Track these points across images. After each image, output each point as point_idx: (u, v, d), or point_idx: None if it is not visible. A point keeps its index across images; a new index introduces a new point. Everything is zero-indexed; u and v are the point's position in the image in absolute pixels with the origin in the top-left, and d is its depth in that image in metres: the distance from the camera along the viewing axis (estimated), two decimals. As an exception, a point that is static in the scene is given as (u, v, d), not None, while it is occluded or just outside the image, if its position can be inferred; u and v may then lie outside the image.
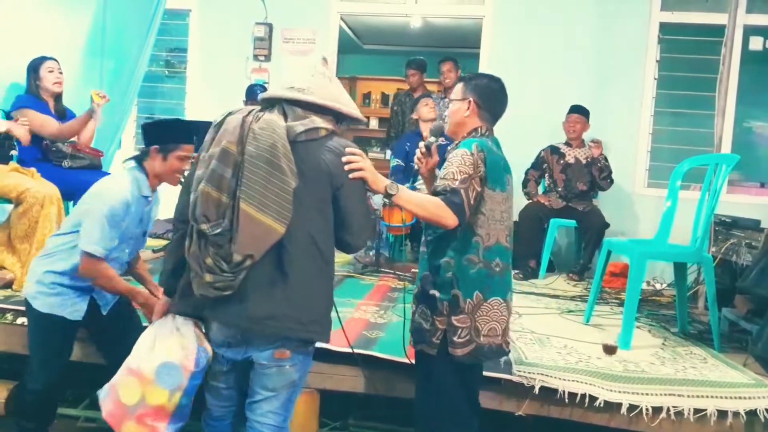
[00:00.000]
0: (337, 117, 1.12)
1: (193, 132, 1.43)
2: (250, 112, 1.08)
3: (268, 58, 3.35)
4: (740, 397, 1.45)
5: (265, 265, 1.03)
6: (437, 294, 1.19)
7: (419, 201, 1.18)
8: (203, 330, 1.16)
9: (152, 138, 1.41)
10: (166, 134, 1.41)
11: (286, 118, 1.07)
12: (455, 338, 1.19)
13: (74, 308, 1.41)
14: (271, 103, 1.11)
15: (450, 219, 1.14)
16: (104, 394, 1.15)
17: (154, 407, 1.09)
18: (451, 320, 1.19)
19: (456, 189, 1.15)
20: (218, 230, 1.01)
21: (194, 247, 1.04)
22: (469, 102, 1.25)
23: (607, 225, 2.83)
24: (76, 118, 2.16)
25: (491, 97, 1.26)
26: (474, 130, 1.25)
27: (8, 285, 1.91)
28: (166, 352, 1.10)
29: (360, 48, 5.07)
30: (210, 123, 1.11)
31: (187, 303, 1.09)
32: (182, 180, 1.29)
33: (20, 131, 1.99)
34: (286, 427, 1.13)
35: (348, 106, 1.12)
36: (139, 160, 1.44)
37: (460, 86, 1.28)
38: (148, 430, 1.10)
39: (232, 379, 1.14)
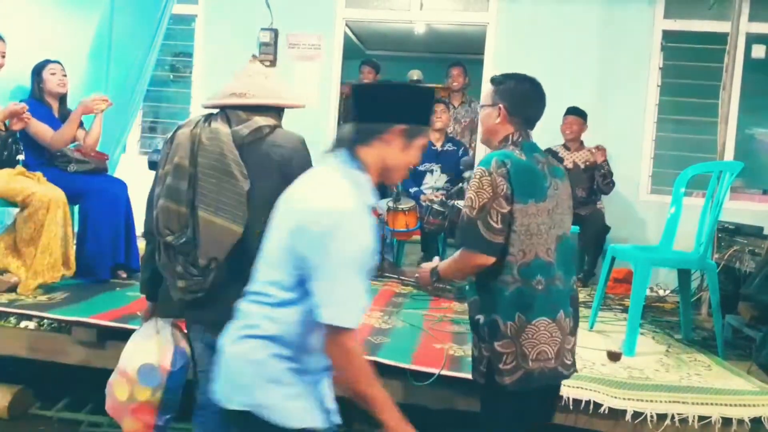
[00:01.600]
0: (279, 110, 1.17)
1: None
2: (196, 124, 1.13)
3: (273, 63, 3.37)
4: (745, 405, 1.45)
5: (234, 264, 1.09)
6: (481, 319, 1.13)
7: (453, 266, 1.16)
8: (184, 329, 1.23)
9: (390, 110, 0.88)
10: (413, 107, 0.90)
11: (230, 124, 1.12)
12: (500, 365, 1.09)
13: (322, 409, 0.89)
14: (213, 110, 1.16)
15: (482, 259, 1.09)
16: (106, 392, 1.26)
17: (142, 403, 1.19)
18: (493, 346, 1.11)
19: (472, 220, 1.09)
20: (183, 239, 1.08)
21: (164, 258, 1.11)
22: (500, 108, 1.15)
23: (608, 228, 2.83)
24: (64, 124, 2.12)
25: (522, 101, 1.16)
26: (505, 138, 1.16)
27: (12, 288, 1.92)
28: (146, 353, 1.20)
29: (364, 54, 5.10)
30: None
31: (169, 306, 1.18)
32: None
33: (18, 126, 1.97)
34: None
35: (288, 98, 1.17)
36: (352, 146, 0.88)
37: (489, 90, 1.19)
38: (142, 423, 1.21)
39: (210, 359, 1.16)
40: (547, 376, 1.11)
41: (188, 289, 1.10)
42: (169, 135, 1.16)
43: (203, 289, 1.10)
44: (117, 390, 1.22)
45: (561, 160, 2.91)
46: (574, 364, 1.16)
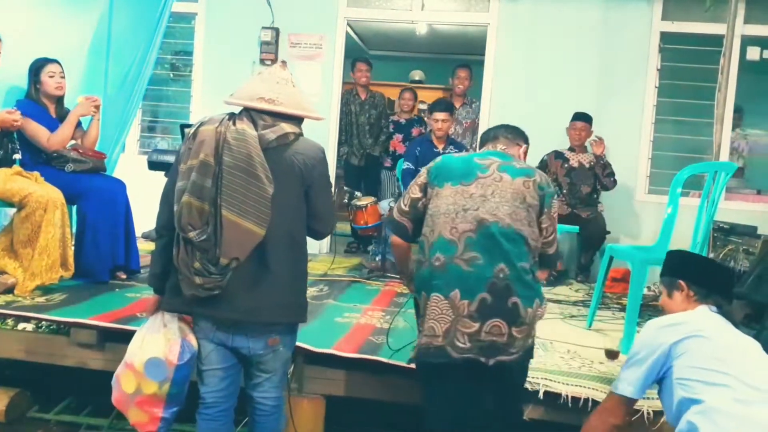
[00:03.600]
0: (300, 119, 1.24)
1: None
2: (220, 122, 1.16)
3: (274, 62, 3.36)
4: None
5: (250, 263, 1.13)
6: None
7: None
8: (191, 323, 1.25)
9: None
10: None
11: (255, 126, 1.16)
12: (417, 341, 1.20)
13: None
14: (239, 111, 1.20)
15: (395, 239, 1.32)
16: (112, 383, 1.29)
17: (149, 396, 1.22)
18: (418, 323, 1.24)
19: (393, 208, 1.33)
20: (204, 237, 1.10)
21: (182, 253, 1.13)
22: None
23: (608, 232, 2.87)
24: (62, 125, 2.10)
25: (483, 134, 1.42)
26: None
27: (10, 290, 1.90)
28: (153, 347, 1.21)
29: (365, 53, 5.11)
30: None
31: (177, 301, 1.18)
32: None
33: (13, 128, 1.95)
34: (282, 397, 1.30)
35: (310, 110, 1.25)
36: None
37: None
38: (148, 415, 1.23)
39: (222, 358, 1.22)
40: (432, 353, 1.13)
41: (204, 286, 1.11)
42: (191, 130, 1.17)
43: (219, 287, 1.12)
44: (124, 382, 1.23)
45: (567, 160, 2.94)
46: (475, 350, 1.11)
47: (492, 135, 1.37)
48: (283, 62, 1.27)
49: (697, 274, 1.21)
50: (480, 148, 1.38)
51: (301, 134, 1.21)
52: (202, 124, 1.16)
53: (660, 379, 1.15)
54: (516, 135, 1.37)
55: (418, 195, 1.28)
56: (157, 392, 1.21)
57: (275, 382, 1.25)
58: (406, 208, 1.29)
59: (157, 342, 1.21)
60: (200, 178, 1.11)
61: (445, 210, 1.19)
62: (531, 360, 1.26)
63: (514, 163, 1.26)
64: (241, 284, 1.14)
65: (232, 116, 1.18)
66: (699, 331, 1.11)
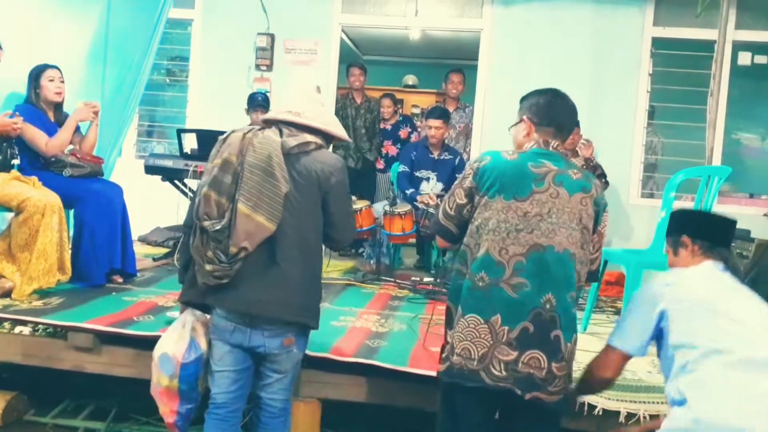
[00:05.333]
0: (326, 137, 1.31)
1: None
2: (251, 130, 1.26)
3: (270, 68, 3.39)
4: (733, 404, 1.49)
5: (260, 257, 1.20)
6: (447, 304, 1.18)
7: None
8: (208, 324, 1.30)
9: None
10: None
11: (281, 135, 1.25)
12: (442, 353, 1.13)
13: None
14: (269, 123, 1.30)
15: (439, 241, 1.24)
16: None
17: (164, 388, 1.30)
18: (446, 332, 1.15)
19: (439, 206, 1.24)
20: (218, 227, 1.18)
21: (197, 241, 1.21)
22: (523, 120, 1.19)
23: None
24: (60, 130, 2.11)
25: (541, 112, 1.18)
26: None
27: (7, 294, 1.90)
28: (166, 343, 1.29)
29: (359, 58, 5.15)
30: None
31: (193, 292, 1.26)
32: None
33: (12, 134, 1.96)
34: (290, 401, 1.33)
35: (335, 128, 1.31)
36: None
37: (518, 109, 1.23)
38: (168, 407, 1.31)
39: (235, 360, 1.26)
40: (465, 375, 1.07)
41: (213, 273, 1.19)
42: (224, 136, 1.27)
43: (228, 275, 1.19)
44: (152, 373, 1.33)
45: None
46: (511, 380, 1.06)
47: (549, 118, 1.15)
48: (318, 88, 1.37)
49: (699, 228, 1.15)
50: (536, 125, 1.16)
51: (323, 146, 1.28)
52: (234, 131, 1.26)
53: (657, 338, 1.09)
54: (573, 120, 1.19)
55: (464, 201, 1.16)
56: (169, 386, 1.28)
57: (285, 384, 1.28)
58: (452, 212, 1.17)
59: (171, 339, 1.28)
60: (221, 174, 1.20)
61: (494, 227, 1.08)
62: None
63: (570, 173, 1.13)
64: (250, 276, 1.20)
65: (262, 128, 1.28)
66: (698, 296, 1.05)
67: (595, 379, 1.16)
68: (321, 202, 1.24)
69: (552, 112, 1.18)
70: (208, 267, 1.18)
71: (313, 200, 1.23)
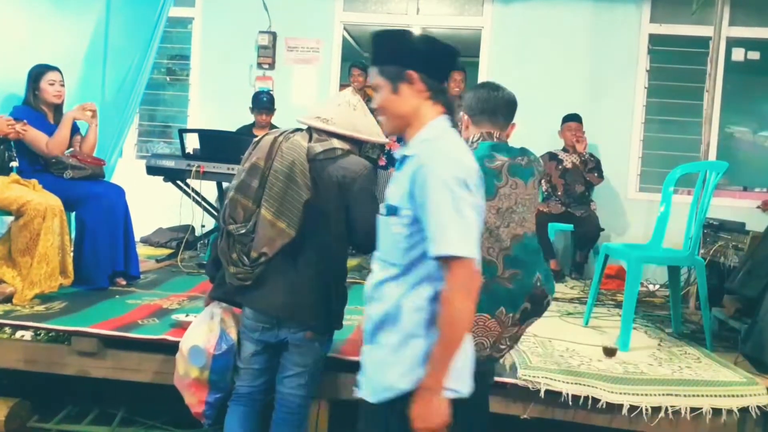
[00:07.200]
0: (357, 141, 1.30)
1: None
2: (282, 133, 1.29)
3: (272, 66, 3.37)
4: (733, 396, 1.52)
5: (283, 262, 1.23)
6: None
7: None
8: (237, 317, 1.34)
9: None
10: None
11: (310, 139, 1.27)
12: None
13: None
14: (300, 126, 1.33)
15: None
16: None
17: (194, 379, 1.33)
18: None
19: None
20: (242, 231, 1.22)
21: (223, 243, 1.26)
22: (462, 117, 1.24)
23: (601, 229, 2.93)
24: (57, 129, 2.08)
25: (473, 104, 1.21)
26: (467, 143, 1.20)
27: (8, 299, 1.87)
28: (197, 336, 1.32)
29: (361, 56, 5.12)
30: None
31: (221, 290, 1.32)
32: None
33: (13, 137, 1.94)
34: (311, 398, 1.34)
35: (366, 132, 1.30)
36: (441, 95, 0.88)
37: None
38: (197, 398, 1.34)
39: (262, 360, 1.30)
40: (482, 363, 1.13)
41: (237, 275, 1.24)
42: (257, 139, 1.29)
43: (249, 278, 1.23)
44: (178, 365, 1.36)
45: (561, 161, 2.98)
46: (510, 346, 1.22)
47: (491, 108, 1.19)
48: (353, 89, 1.36)
49: (429, 60, 0.86)
50: (473, 117, 1.21)
51: (350, 151, 1.28)
52: (268, 133, 1.29)
53: None
54: (512, 113, 1.22)
55: None
56: (199, 377, 1.30)
57: (305, 379, 1.29)
58: None
59: (201, 331, 1.31)
60: (249, 178, 1.23)
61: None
62: None
63: (518, 161, 1.19)
64: (274, 280, 1.23)
65: (295, 131, 1.30)
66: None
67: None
68: (344, 208, 1.25)
69: (482, 103, 1.22)
70: (232, 269, 1.23)
71: (336, 206, 1.24)
